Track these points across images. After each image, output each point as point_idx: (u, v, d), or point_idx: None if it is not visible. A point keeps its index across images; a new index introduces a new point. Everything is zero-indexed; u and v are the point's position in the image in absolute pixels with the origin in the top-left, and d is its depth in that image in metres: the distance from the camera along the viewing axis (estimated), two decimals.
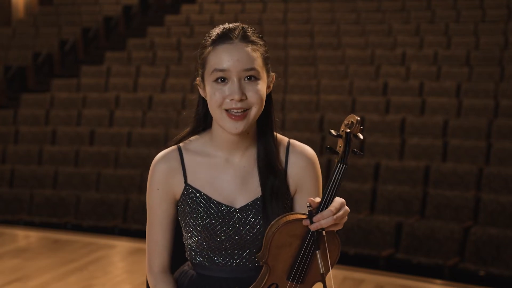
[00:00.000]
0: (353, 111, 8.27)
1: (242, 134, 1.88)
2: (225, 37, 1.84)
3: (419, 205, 6.51)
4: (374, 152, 7.41)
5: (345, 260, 6.11)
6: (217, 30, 1.87)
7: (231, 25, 1.87)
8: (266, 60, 1.88)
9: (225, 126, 1.83)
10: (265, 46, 1.89)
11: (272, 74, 1.92)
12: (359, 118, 1.79)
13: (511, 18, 9.76)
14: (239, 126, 1.82)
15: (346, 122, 1.81)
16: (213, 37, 1.86)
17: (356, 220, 6.35)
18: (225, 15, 11.61)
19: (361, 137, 1.79)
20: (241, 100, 1.80)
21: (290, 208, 1.97)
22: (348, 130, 1.79)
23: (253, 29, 1.88)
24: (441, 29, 9.89)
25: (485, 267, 5.81)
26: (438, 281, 5.78)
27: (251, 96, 1.82)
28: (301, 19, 11.13)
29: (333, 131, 1.79)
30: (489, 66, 8.64)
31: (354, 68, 9.17)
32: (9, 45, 12.03)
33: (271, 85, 1.92)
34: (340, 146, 1.80)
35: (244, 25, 1.88)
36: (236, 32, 1.84)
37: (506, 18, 9.75)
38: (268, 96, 1.92)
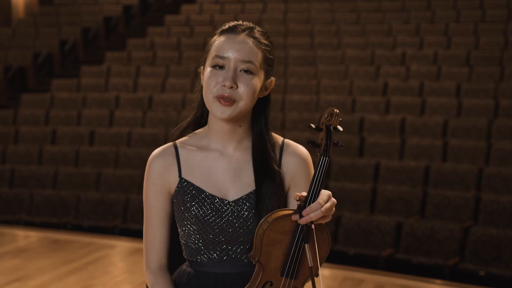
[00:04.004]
0: (353, 111, 8.28)
1: (234, 126, 1.94)
2: (233, 28, 1.92)
3: (419, 205, 6.51)
4: (374, 152, 7.41)
5: (345, 260, 6.11)
6: (229, 23, 1.96)
7: (244, 22, 1.96)
8: (267, 61, 1.93)
9: (213, 110, 1.89)
10: (269, 48, 1.94)
11: (272, 78, 1.97)
12: (337, 110, 1.82)
13: (511, 18, 9.76)
14: (225, 111, 1.87)
15: (325, 114, 1.84)
16: (223, 28, 1.95)
17: (356, 220, 6.35)
18: (225, 15, 11.62)
19: (341, 129, 1.82)
20: (231, 88, 1.86)
21: (284, 204, 1.99)
22: (328, 123, 1.82)
23: (263, 30, 1.95)
24: (441, 29, 9.89)
25: (485, 267, 5.81)
26: (438, 281, 5.78)
27: (241, 87, 1.87)
28: (301, 19, 11.13)
29: (312, 125, 1.83)
30: (489, 66, 8.64)
31: (354, 68, 9.17)
32: (9, 45, 12.03)
33: (269, 89, 1.97)
34: (321, 139, 1.84)
35: (256, 25, 1.96)
36: (244, 27, 1.93)
37: (506, 18, 9.75)
38: (265, 99, 1.97)
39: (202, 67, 1.98)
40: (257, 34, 1.92)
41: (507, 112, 7.62)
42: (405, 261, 6.13)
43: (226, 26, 1.94)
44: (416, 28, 10.04)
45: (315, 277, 1.84)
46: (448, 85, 8.32)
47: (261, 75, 1.91)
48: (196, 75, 9.69)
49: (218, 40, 1.92)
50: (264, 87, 1.94)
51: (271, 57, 1.94)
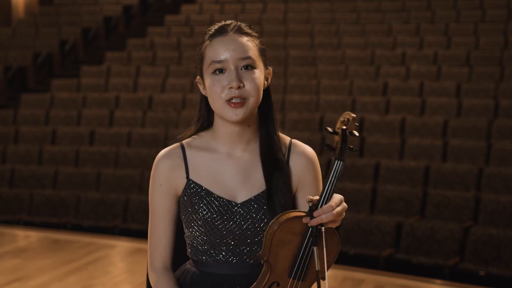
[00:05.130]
0: (353, 111, 8.27)
1: (243, 126, 1.92)
2: (220, 30, 1.91)
3: (419, 205, 6.51)
4: (374, 152, 7.41)
5: (345, 260, 6.11)
6: (214, 26, 1.94)
7: (227, 21, 1.95)
8: (262, 52, 1.93)
9: (226, 115, 1.87)
10: (259, 38, 1.95)
11: (270, 68, 1.97)
12: (354, 115, 1.82)
13: (511, 18, 9.76)
14: (239, 113, 1.86)
15: (342, 119, 1.83)
16: (210, 33, 1.93)
17: (356, 220, 6.34)
18: (225, 15, 11.61)
19: (357, 134, 1.82)
20: (239, 88, 1.85)
21: (292, 203, 1.98)
22: (344, 127, 1.82)
23: (247, 24, 1.95)
24: (441, 29, 9.89)
25: (485, 267, 5.81)
26: (438, 281, 5.78)
27: (248, 84, 1.86)
28: (301, 19, 11.13)
29: (329, 128, 1.83)
30: (489, 66, 8.64)
31: (354, 68, 9.17)
32: (9, 45, 12.03)
33: (269, 79, 1.97)
34: (336, 143, 1.83)
35: (239, 22, 1.95)
36: (231, 26, 1.92)
37: (506, 18, 9.75)
38: (267, 91, 1.97)
39: (198, 77, 1.96)
40: (245, 29, 1.92)
41: (507, 112, 7.61)
42: (405, 261, 6.13)
43: (213, 30, 1.92)
44: (416, 28, 10.04)
45: (322, 280, 1.84)
46: (448, 85, 8.32)
47: (261, 67, 1.91)
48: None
49: (209, 46, 1.90)
50: (265, 78, 1.94)
51: (263, 47, 1.94)
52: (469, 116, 7.74)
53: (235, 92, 1.85)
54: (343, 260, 6.13)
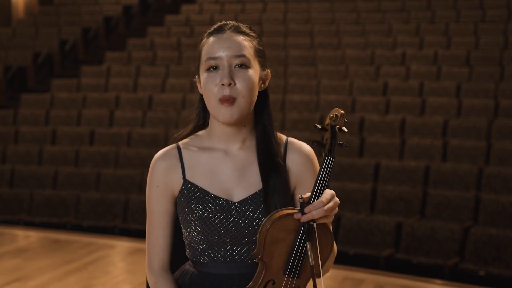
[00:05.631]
0: (353, 111, 8.28)
1: (238, 126, 1.93)
2: (218, 29, 1.93)
3: (419, 205, 6.51)
4: (374, 152, 7.41)
5: (345, 260, 6.11)
6: (213, 26, 1.96)
7: (227, 21, 1.97)
8: (259, 53, 1.93)
9: (219, 115, 1.88)
10: (258, 39, 1.95)
11: (268, 71, 1.96)
12: (343, 112, 1.84)
13: (511, 18, 9.76)
14: (229, 112, 1.86)
15: (330, 115, 1.85)
16: (209, 31, 1.95)
17: (356, 220, 6.35)
18: (225, 15, 11.61)
19: (346, 130, 1.83)
20: (230, 85, 1.85)
21: (290, 204, 1.98)
22: (333, 123, 1.83)
23: (247, 26, 1.96)
24: (441, 29, 9.89)
25: (485, 267, 5.81)
26: (438, 281, 5.78)
27: (240, 82, 1.86)
28: (301, 19, 11.14)
29: (318, 125, 1.85)
30: (489, 66, 8.64)
31: (354, 68, 9.18)
32: (9, 45, 12.03)
33: (267, 82, 1.97)
34: (326, 139, 1.85)
35: (239, 23, 1.97)
36: (229, 25, 1.94)
37: (506, 18, 9.75)
38: (264, 93, 1.96)
39: (196, 76, 1.97)
40: (243, 29, 1.93)
41: (507, 112, 7.62)
42: (405, 261, 6.13)
43: (212, 28, 1.95)
44: (416, 28, 10.05)
45: (317, 277, 1.84)
46: (448, 85, 8.32)
47: (256, 67, 1.91)
48: None
49: (206, 43, 1.92)
50: (261, 79, 1.93)
51: (261, 48, 1.94)
52: (469, 116, 7.74)
53: (226, 90, 1.85)
54: (343, 260, 6.13)
